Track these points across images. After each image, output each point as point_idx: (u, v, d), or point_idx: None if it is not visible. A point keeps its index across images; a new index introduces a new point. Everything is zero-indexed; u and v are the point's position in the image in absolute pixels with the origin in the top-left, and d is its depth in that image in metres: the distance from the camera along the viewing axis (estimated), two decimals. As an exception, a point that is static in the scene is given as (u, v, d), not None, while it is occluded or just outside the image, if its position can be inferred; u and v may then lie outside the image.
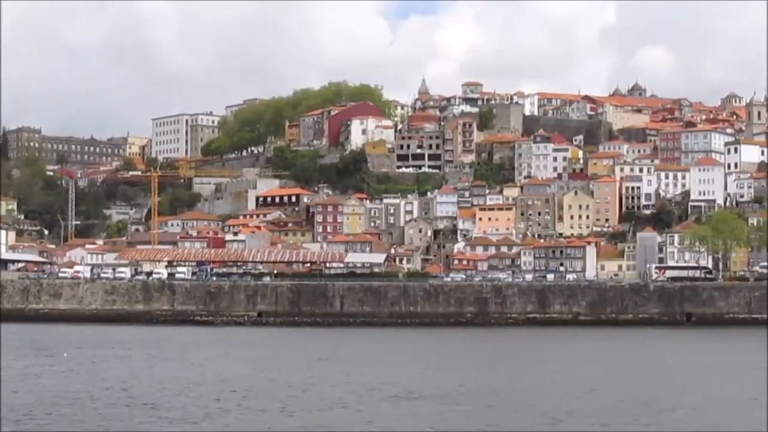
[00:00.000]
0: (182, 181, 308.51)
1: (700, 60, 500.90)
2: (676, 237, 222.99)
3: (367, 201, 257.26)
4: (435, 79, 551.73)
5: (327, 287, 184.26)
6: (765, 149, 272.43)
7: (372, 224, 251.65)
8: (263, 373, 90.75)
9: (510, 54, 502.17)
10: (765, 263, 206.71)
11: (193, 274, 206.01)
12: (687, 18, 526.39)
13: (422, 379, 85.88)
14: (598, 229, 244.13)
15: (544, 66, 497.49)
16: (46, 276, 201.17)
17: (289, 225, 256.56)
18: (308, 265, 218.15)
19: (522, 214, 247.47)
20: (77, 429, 59.99)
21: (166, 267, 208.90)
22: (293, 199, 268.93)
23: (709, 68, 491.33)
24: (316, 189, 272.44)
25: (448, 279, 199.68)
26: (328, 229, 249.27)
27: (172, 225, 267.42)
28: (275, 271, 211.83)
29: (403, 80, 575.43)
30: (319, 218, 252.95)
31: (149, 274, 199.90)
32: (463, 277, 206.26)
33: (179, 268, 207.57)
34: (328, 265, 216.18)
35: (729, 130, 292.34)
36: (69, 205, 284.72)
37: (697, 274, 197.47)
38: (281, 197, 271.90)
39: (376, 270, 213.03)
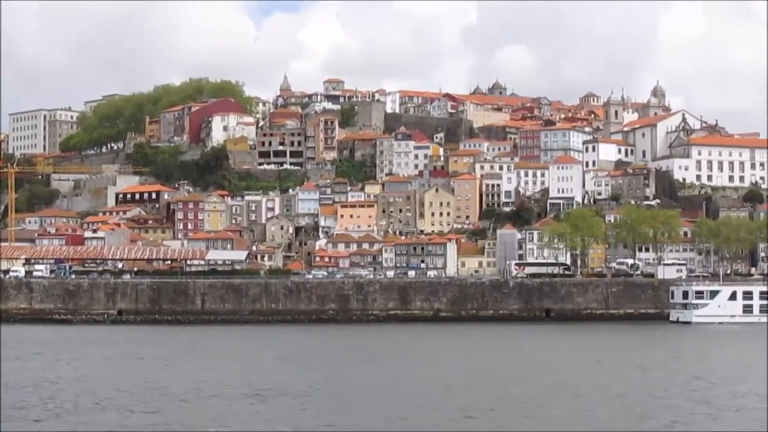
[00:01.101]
0: (40, 177, 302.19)
1: (560, 60, 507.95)
2: (536, 234, 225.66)
3: (229, 198, 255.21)
4: (298, 76, 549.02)
5: (188, 285, 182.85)
6: (622, 148, 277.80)
7: (233, 221, 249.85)
8: (119, 372, 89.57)
9: (373, 52, 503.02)
10: (622, 259, 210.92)
11: (52, 272, 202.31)
12: (548, 18, 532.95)
13: (278, 377, 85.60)
14: (459, 226, 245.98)
15: (406, 65, 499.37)
16: None
17: (150, 222, 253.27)
18: (169, 262, 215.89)
19: (383, 212, 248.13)
20: None
21: (24, 265, 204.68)
22: (153, 195, 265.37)
23: (569, 68, 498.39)
24: (176, 186, 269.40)
25: (310, 276, 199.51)
26: (189, 226, 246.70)
27: (29, 222, 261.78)
28: (135, 269, 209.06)
29: (266, 77, 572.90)
30: (179, 215, 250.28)
31: (6, 272, 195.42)
32: (325, 274, 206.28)
33: (37, 266, 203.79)
34: (189, 262, 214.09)
35: (587, 129, 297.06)
36: None
37: (556, 270, 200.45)
38: (141, 194, 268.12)
39: (237, 267, 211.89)
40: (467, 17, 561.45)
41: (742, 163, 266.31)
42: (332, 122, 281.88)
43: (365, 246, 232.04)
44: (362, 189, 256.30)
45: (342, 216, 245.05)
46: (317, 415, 65.02)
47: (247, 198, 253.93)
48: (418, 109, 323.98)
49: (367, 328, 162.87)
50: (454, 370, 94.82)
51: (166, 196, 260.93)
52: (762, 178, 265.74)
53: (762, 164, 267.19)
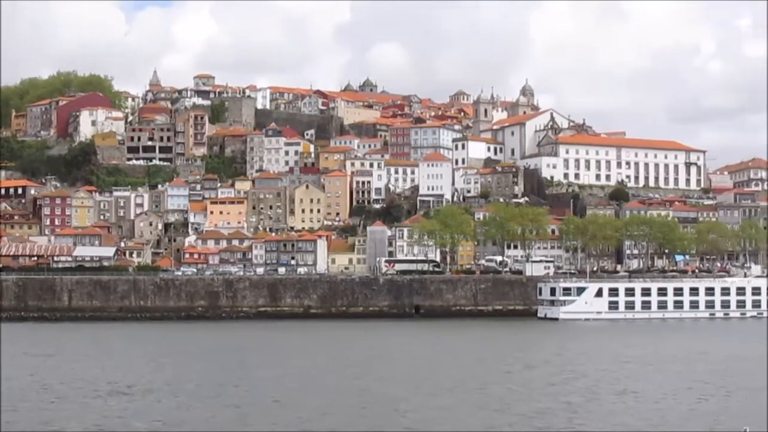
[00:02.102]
0: None
1: (432, 58, 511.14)
2: (405, 231, 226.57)
3: (97, 193, 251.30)
4: (169, 71, 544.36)
5: (55, 281, 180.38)
6: (491, 146, 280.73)
7: (101, 217, 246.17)
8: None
9: (245, 49, 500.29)
10: (491, 256, 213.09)
11: None
12: (421, 16, 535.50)
13: (137, 374, 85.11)
14: (329, 223, 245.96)
15: (279, 62, 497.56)
16: None
17: (16, 218, 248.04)
18: (35, 258, 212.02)
19: (254, 208, 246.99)
20: None
21: None
22: (20, 191, 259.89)
23: (442, 66, 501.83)
24: (43, 181, 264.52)
25: (179, 273, 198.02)
26: (56, 222, 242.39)
27: None
28: (1, 265, 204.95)
29: (137, 72, 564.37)
30: (46, 211, 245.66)
31: None
32: (194, 270, 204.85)
33: None
34: (56, 258, 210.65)
35: (457, 127, 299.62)
36: None
37: (426, 267, 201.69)
38: (7, 189, 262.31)
39: (105, 263, 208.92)
40: (341, 14, 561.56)
41: (608, 162, 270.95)
42: (202, 118, 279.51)
43: (235, 243, 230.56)
44: (232, 185, 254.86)
45: (212, 212, 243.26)
46: (166, 411, 64.93)
47: (115, 194, 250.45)
48: (289, 105, 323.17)
49: (237, 324, 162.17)
50: (315, 365, 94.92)
51: (32, 192, 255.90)
52: (628, 176, 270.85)
53: (628, 163, 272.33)
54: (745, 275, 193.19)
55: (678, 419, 61.57)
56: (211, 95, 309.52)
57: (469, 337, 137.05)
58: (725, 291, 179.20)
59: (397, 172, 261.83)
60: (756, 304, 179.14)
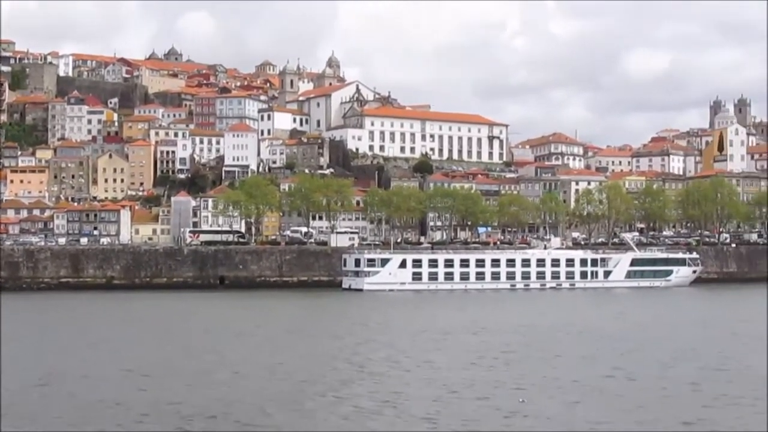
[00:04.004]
0: None
1: (241, 28, 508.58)
2: (210, 201, 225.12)
3: None
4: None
5: None
6: (297, 117, 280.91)
7: None
8: None
9: (50, 15, 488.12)
10: (296, 227, 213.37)
11: None
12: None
13: None
14: (133, 192, 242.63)
15: (84, 29, 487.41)
16: None
17: None
18: None
19: (55, 177, 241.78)
20: None
21: None
22: None
23: (250, 37, 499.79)
24: None
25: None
26: None
27: None
28: None
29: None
30: None
31: None
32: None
33: None
34: None
35: (263, 97, 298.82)
36: None
37: (231, 238, 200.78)
38: None
39: None
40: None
41: (413, 135, 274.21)
42: (2, 85, 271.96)
43: (36, 212, 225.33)
44: (33, 154, 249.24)
45: (12, 181, 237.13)
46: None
47: None
48: (92, 73, 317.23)
49: (37, 296, 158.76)
50: (107, 336, 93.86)
51: None
52: (432, 149, 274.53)
53: (432, 136, 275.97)
54: (545, 247, 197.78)
55: (460, 387, 62.43)
56: (12, 61, 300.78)
57: (274, 308, 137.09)
58: (526, 263, 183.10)
59: (202, 142, 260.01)
60: (555, 276, 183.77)
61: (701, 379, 65.81)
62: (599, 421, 52.16)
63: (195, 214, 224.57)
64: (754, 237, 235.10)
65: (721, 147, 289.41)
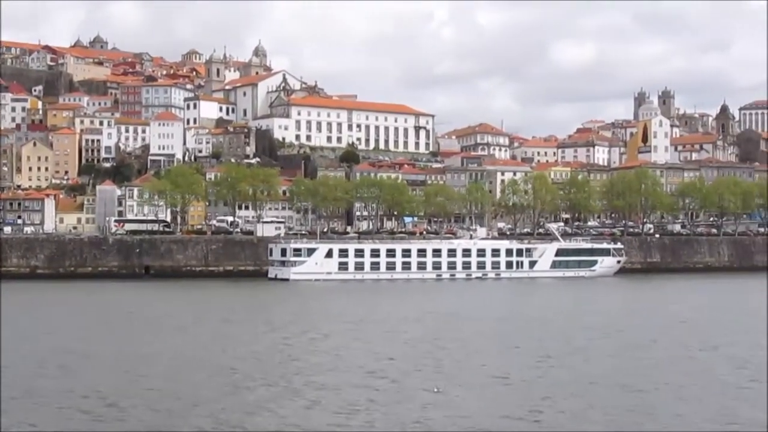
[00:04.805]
0: None
1: (168, 17, 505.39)
2: (136, 190, 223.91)
3: None
4: None
5: None
6: (223, 106, 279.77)
7: None
8: None
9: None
10: (222, 217, 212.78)
11: None
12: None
13: None
14: (58, 181, 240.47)
15: (8, 16, 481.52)
16: None
17: None
18: None
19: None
20: None
21: None
22: None
23: (177, 25, 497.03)
24: None
25: None
26: None
27: None
28: None
29: None
30: None
31: None
32: None
33: None
34: None
35: (189, 86, 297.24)
36: None
37: (156, 227, 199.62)
38: None
39: None
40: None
41: (339, 124, 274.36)
42: None
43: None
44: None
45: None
46: None
47: None
48: (16, 60, 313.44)
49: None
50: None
51: None
52: (359, 139, 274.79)
53: (359, 126, 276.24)
54: (471, 237, 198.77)
55: (376, 377, 62.64)
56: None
57: (199, 298, 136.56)
58: (452, 253, 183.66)
59: (127, 130, 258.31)
60: (481, 266, 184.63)
61: (624, 367, 66.66)
62: (512, 409, 52.25)
63: (120, 203, 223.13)
64: (677, 227, 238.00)
65: (645, 138, 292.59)
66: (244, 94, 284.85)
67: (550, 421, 49.44)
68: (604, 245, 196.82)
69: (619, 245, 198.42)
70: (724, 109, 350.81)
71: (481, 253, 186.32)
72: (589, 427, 48.40)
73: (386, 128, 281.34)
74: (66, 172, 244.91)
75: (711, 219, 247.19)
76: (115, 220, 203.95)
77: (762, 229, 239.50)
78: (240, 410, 52.18)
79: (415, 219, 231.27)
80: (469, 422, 49.12)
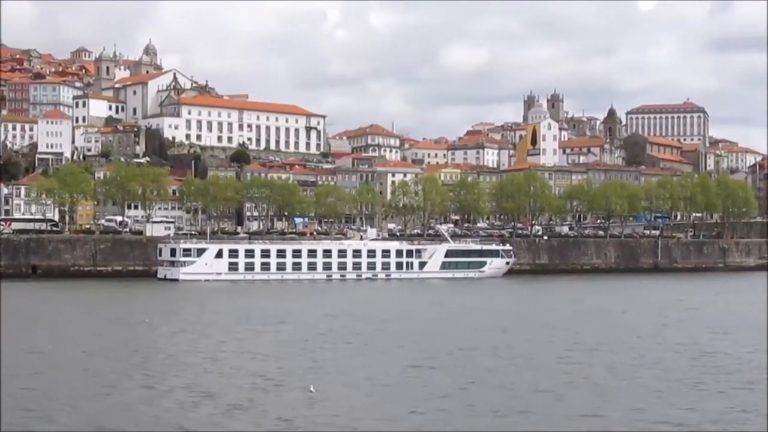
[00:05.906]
0: None
1: (56, 13, 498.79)
2: (23, 189, 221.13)
3: None
4: None
5: None
6: (113, 104, 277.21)
7: None
8: None
9: None
10: (111, 216, 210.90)
11: None
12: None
13: None
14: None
15: None
16: None
17: None
18: None
19: None
20: None
21: None
22: None
23: (66, 22, 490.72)
24: None
25: None
26: None
27: None
28: None
29: None
30: None
31: None
32: None
33: None
34: None
35: (78, 84, 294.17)
36: None
37: (44, 226, 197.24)
38: None
39: None
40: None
41: (230, 124, 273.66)
42: None
43: None
44: None
45: None
46: None
47: None
48: None
49: None
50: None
51: None
52: (250, 139, 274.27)
53: (250, 126, 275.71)
54: (362, 238, 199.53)
55: (255, 377, 62.92)
56: None
57: (84, 298, 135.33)
58: (342, 253, 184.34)
59: (15, 128, 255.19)
60: (371, 267, 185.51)
61: (503, 366, 67.58)
62: (389, 410, 52.24)
63: (7, 202, 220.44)
64: (565, 230, 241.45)
65: (534, 141, 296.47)
66: (134, 92, 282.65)
67: (425, 421, 49.79)
68: (493, 247, 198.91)
69: (507, 247, 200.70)
70: (611, 113, 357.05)
71: (372, 254, 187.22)
72: (469, 426, 48.89)
73: (277, 128, 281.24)
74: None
75: (598, 221, 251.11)
76: (2, 219, 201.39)
77: (647, 232, 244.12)
78: (117, 409, 52.09)
79: (306, 220, 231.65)
80: (341, 421, 49.10)
